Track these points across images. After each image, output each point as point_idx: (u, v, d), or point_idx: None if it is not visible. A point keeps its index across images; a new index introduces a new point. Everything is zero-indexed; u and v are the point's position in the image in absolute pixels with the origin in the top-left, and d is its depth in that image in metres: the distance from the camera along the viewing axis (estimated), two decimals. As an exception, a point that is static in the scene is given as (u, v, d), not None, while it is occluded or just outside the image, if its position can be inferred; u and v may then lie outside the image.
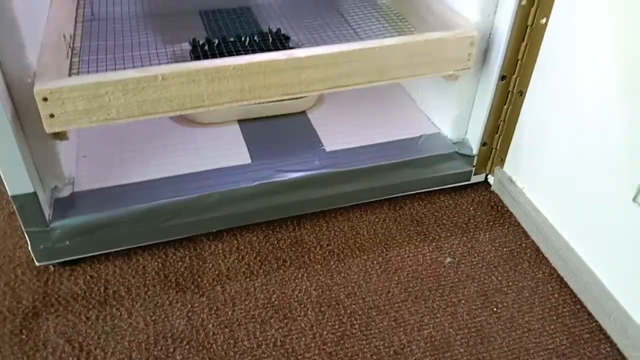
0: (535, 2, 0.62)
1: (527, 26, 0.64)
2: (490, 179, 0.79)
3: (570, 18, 0.59)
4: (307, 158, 0.72)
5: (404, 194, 0.76)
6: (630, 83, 0.53)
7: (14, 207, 0.59)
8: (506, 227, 0.72)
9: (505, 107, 0.71)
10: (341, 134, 0.77)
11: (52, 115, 0.53)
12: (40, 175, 0.60)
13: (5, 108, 0.52)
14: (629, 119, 0.54)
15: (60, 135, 0.56)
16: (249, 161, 0.71)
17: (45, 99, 0.52)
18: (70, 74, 0.61)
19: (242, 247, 0.68)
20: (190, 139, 0.75)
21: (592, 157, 0.59)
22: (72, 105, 0.53)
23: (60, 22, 0.66)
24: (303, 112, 0.82)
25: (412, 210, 0.75)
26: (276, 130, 0.77)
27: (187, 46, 0.86)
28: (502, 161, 0.75)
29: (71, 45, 0.68)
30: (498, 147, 0.75)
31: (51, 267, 0.65)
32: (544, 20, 0.62)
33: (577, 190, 0.62)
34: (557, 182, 0.65)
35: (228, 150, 0.73)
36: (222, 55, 0.79)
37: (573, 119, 0.62)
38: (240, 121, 0.79)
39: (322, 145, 0.75)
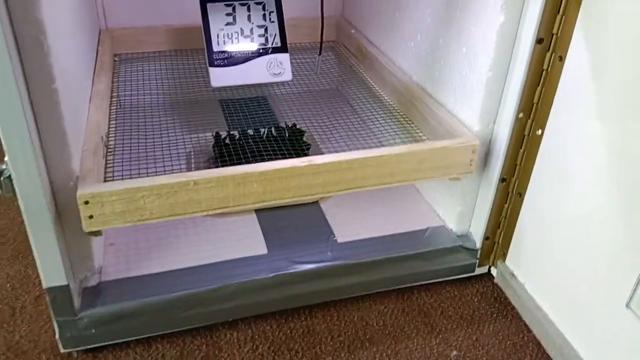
0: (531, 115, 0.68)
1: (524, 136, 0.70)
2: (494, 271, 0.83)
3: (564, 130, 0.65)
4: (320, 249, 0.77)
5: (412, 284, 0.80)
6: (621, 189, 0.58)
7: (47, 298, 0.63)
8: (509, 319, 0.76)
9: (506, 206, 0.76)
10: (352, 224, 0.82)
11: (91, 217, 0.59)
12: (73, 268, 0.64)
13: (50, 210, 0.57)
14: (621, 223, 0.59)
15: (95, 232, 0.61)
16: (265, 251, 0.76)
17: (86, 202, 0.58)
18: (106, 175, 0.67)
19: (257, 337, 0.71)
20: (211, 229, 0.79)
21: (588, 259, 0.64)
22: (110, 208, 0.59)
23: (98, 123, 0.72)
24: (316, 203, 0.87)
25: (419, 300, 0.78)
26: (291, 220, 0.82)
27: (209, 136, 0.93)
28: (505, 255, 0.79)
29: (106, 144, 0.74)
30: (500, 242, 0.79)
31: (74, 353, 0.68)
32: (539, 132, 0.68)
33: (574, 290, 0.66)
34: (556, 280, 0.69)
35: (246, 240, 0.78)
36: (242, 149, 0.86)
37: (569, 221, 0.66)
38: (257, 211, 0.84)
39: (334, 236, 0.79)
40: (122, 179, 0.70)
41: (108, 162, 0.72)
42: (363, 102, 0.98)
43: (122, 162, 0.75)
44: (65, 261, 0.62)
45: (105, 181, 0.65)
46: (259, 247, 0.77)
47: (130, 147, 0.83)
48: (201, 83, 1.05)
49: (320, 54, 0.97)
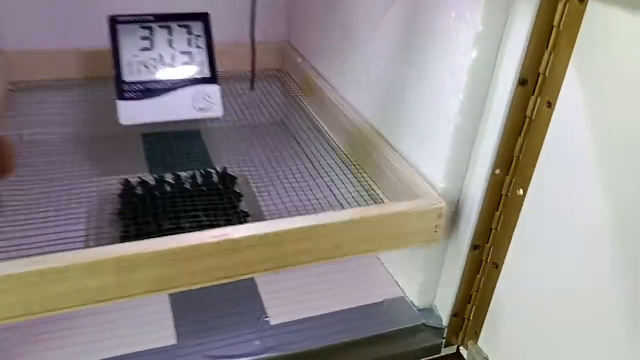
0: (511, 172, 0.54)
1: (502, 196, 0.56)
2: (464, 352, 0.68)
3: (552, 191, 0.51)
4: (247, 337, 0.60)
5: (364, 376, 0.64)
6: (623, 257, 0.45)
7: None
8: (485, 421, 0.61)
9: (479, 277, 0.62)
10: (290, 299, 0.66)
11: None
12: None
13: None
14: (625, 299, 0.45)
15: None
16: (174, 341, 0.59)
17: None
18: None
19: None
20: (103, 309, 0.61)
21: (583, 346, 0.50)
22: None
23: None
24: (248, 269, 0.71)
25: (373, 396, 0.62)
26: (211, 295, 0.65)
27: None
28: (477, 335, 0.65)
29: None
30: (471, 319, 0.65)
31: None
32: (521, 192, 0.54)
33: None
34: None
35: (149, 326, 0.60)
36: (155, 202, 0.69)
37: (559, 298, 0.52)
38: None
39: (267, 317, 0.63)
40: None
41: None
42: (308, 143, 0.82)
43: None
44: None
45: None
46: (166, 335, 0.59)
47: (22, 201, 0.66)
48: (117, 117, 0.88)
49: (252, 88, 0.82)
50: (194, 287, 0.48)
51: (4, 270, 0.42)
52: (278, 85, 0.98)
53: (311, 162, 0.76)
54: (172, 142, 0.91)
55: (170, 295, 0.65)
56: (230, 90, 0.95)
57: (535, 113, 0.51)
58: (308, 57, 0.97)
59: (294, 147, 0.87)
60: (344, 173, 0.69)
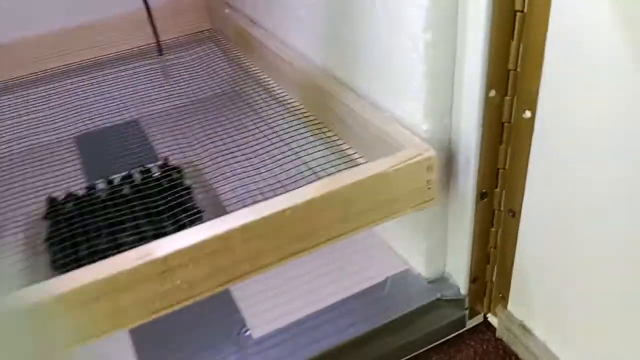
0: (510, 90, 0.41)
1: (504, 124, 0.43)
2: (493, 320, 0.56)
3: (569, 104, 0.38)
4: (222, 356, 0.48)
5: (379, 375, 0.52)
6: None
7: None
8: (533, 399, 0.49)
9: (494, 230, 0.49)
10: (273, 300, 0.54)
11: None
12: None
13: None
14: None
15: None
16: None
17: None
18: None
19: None
20: None
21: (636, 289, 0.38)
22: None
23: None
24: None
25: (395, 397, 0.51)
26: (177, 312, 0.53)
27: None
28: (505, 298, 0.53)
29: None
30: (494, 281, 0.53)
31: None
32: (527, 114, 0.41)
33: (618, 342, 0.40)
34: (593, 331, 0.43)
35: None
36: (90, 216, 0.56)
37: (597, 240, 0.40)
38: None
39: (246, 329, 0.51)
40: None
41: None
42: (257, 108, 0.69)
43: None
44: None
45: None
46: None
47: None
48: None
49: (161, 53, 0.68)
50: (122, 329, 0.36)
51: None
52: (210, 46, 0.83)
53: (264, 132, 0.63)
54: (107, 140, 0.78)
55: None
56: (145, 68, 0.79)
57: (526, 1, 0.37)
58: (237, 5, 0.81)
59: (242, 117, 0.74)
60: (303, 137, 0.56)
